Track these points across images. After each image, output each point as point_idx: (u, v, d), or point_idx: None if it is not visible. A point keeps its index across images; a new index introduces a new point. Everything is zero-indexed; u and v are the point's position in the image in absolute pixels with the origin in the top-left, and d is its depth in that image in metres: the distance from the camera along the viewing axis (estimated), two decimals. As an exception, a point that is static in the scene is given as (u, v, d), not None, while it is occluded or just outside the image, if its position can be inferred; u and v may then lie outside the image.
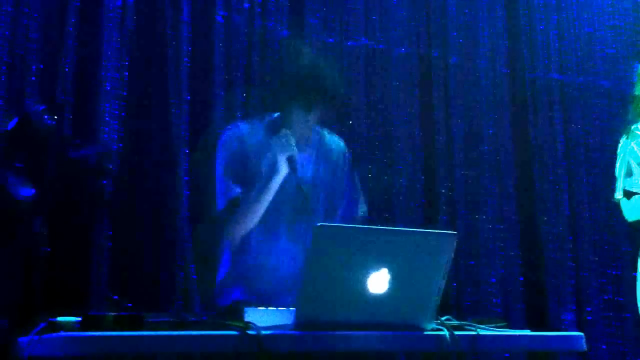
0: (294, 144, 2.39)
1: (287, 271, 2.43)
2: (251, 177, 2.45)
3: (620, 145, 2.73)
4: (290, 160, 2.39)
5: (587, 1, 4.74)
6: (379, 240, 1.85)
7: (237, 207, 2.41)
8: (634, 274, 2.73)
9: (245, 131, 2.52)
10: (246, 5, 3.79)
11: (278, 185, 2.40)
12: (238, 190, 2.41)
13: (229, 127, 2.56)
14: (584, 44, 4.69)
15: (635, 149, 2.66)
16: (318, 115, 2.47)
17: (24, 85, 3.24)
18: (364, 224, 2.56)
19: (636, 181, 2.62)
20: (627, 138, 2.71)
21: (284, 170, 2.39)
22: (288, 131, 2.41)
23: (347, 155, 2.65)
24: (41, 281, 3.10)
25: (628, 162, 2.66)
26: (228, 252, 2.53)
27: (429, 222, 4.05)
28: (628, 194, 2.65)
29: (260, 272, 2.45)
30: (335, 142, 2.65)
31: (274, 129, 2.48)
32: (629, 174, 2.64)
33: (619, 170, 2.71)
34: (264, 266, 2.45)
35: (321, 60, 2.51)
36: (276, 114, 2.55)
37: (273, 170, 2.40)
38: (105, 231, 3.31)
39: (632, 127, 2.73)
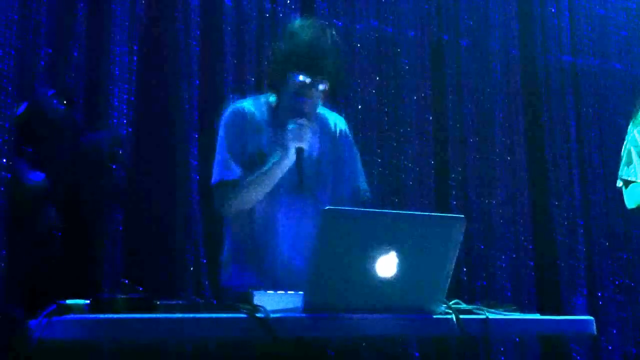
0: (309, 137, 2.37)
1: (287, 252, 2.43)
2: (249, 156, 2.44)
3: (628, 131, 2.71)
4: (300, 151, 2.37)
5: (599, -18, 4.69)
6: (387, 224, 1.85)
7: (235, 188, 2.39)
8: None
9: (247, 109, 2.51)
10: (255, -12, 3.77)
11: (283, 170, 2.39)
12: (238, 171, 2.40)
13: (233, 104, 2.54)
14: (596, 27, 4.65)
15: (637, 136, 2.64)
16: (319, 89, 2.44)
17: (34, 70, 3.25)
18: (367, 203, 2.56)
19: (634, 170, 2.60)
20: (633, 124, 2.69)
21: (291, 159, 2.38)
22: (308, 121, 2.38)
23: (347, 131, 2.63)
24: (54, 267, 3.12)
25: (629, 150, 2.64)
26: (229, 229, 2.53)
27: (440, 207, 4.04)
28: (627, 182, 2.64)
29: (261, 253, 2.45)
30: (334, 117, 2.64)
31: (283, 110, 2.47)
32: (629, 162, 2.62)
33: (622, 157, 2.70)
34: (264, 245, 2.45)
35: (319, 32, 2.46)
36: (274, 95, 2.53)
37: (279, 153, 2.38)
38: (116, 216, 3.32)
39: (639, 114, 2.70)
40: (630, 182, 2.61)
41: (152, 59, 3.53)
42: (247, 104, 2.54)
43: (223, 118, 2.51)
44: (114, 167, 3.33)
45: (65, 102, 3.16)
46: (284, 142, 2.37)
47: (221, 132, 2.48)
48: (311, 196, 2.47)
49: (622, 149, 2.70)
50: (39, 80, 3.23)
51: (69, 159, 3.22)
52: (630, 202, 2.64)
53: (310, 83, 2.42)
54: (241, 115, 2.49)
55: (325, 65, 2.41)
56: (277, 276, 2.40)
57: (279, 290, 1.93)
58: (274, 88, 2.52)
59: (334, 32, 2.49)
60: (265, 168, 2.38)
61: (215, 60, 3.65)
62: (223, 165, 2.42)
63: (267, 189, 2.39)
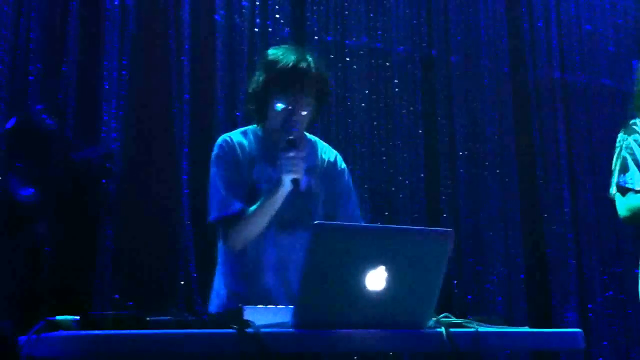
0: (302, 167, 2.36)
1: (274, 283, 2.42)
2: (243, 188, 2.43)
3: (618, 140, 2.71)
4: (295, 182, 2.36)
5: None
6: (376, 239, 1.85)
7: (238, 223, 2.38)
8: (635, 270, 2.70)
9: (237, 140, 2.49)
10: (245, 3, 3.79)
11: (281, 201, 2.37)
12: (238, 206, 2.38)
13: (223, 137, 2.51)
14: (585, 43, 4.69)
15: (632, 144, 2.64)
16: (303, 114, 2.43)
17: (25, 86, 3.25)
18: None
19: (631, 178, 2.59)
20: (625, 133, 2.69)
21: (287, 187, 2.36)
22: (299, 151, 2.36)
23: (338, 161, 2.60)
24: (44, 282, 3.11)
25: (624, 158, 2.64)
26: (221, 260, 2.51)
27: (430, 221, 4.05)
28: (622, 190, 2.62)
29: (249, 284, 2.44)
30: (324, 148, 2.61)
31: (273, 139, 2.46)
32: (625, 169, 2.62)
33: (615, 165, 2.69)
34: (252, 277, 2.45)
35: (298, 56, 2.43)
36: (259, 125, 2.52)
37: (274, 185, 2.36)
38: (106, 231, 3.31)
39: (630, 122, 2.71)
40: (627, 189, 2.60)
41: (143, 74, 3.53)
42: (235, 136, 2.52)
43: (214, 152, 2.48)
44: (104, 182, 3.33)
45: (55, 117, 3.16)
46: (279, 175, 2.36)
47: (214, 167, 2.45)
48: (302, 230, 2.46)
49: (614, 158, 2.70)
50: (29, 96, 3.23)
51: (59, 174, 3.21)
52: (623, 211, 2.63)
53: (293, 109, 2.40)
54: (231, 146, 2.47)
55: (306, 89, 2.39)
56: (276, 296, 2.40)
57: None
58: (257, 119, 2.50)
59: (313, 56, 2.48)
60: (263, 201, 2.37)
61: (206, 75, 3.66)
62: (221, 202, 2.39)
63: (269, 219, 2.38)
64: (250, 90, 2.51)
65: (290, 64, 2.39)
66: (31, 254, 3.13)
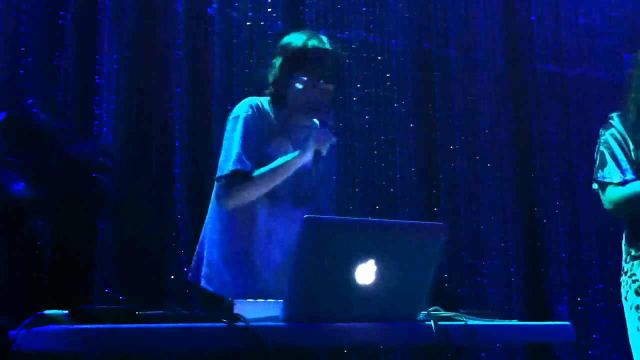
0: (328, 143, 2.38)
1: (282, 261, 2.43)
2: (258, 153, 2.44)
3: (599, 136, 2.72)
4: (317, 154, 2.38)
5: (584, -8, 4.73)
6: (368, 232, 1.85)
7: (245, 181, 2.39)
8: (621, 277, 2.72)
9: (265, 107, 2.51)
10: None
11: (294, 169, 2.40)
12: (250, 165, 2.39)
13: (254, 100, 2.52)
14: (581, 36, 4.68)
15: (609, 138, 2.65)
16: (329, 88, 2.45)
17: (18, 81, 3.24)
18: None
19: (609, 172, 2.60)
20: (603, 128, 2.70)
21: (308, 157, 2.38)
22: (331, 124, 2.39)
23: (334, 148, 2.66)
24: (40, 276, 3.11)
25: (602, 152, 2.65)
26: (225, 233, 2.51)
27: (426, 215, 4.05)
28: (602, 185, 2.64)
29: (256, 260, 2.45)
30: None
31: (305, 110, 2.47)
32: (603, 164, 2.63)
33: (595, 160, 2.70)
34: (260, 252, 2.45)
35: (320, 38, 2.51)
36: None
37: (297, 151, 2.39)
38: (100, 226, 3.31)
39: (609, 117, 2.72)
40: (607, 183, 2.61)
41: (137, 68, 3.52)
42: (266, 103, 2.53)
43: (241, 110, 2.48)
44: (99, 176, 3.33)
45: (49, 111, 3.16)
46: (306, 141, 2.38)
47: (239, 124, 2.44)
48: (314, 208, 2.48)
49: (595, 153, 2.71)
50: (22, 90, 3.23)
51: (54, 169, 3.21)
52: (606, 204, 2.65)
53: (314, 85, 2.44)
54: (261, 111, 2.49)
55: (325, 65, 2.44)
56: (269, 284, 2.40)
57: (268, 297, 1.93)
58: (279, 93, 2.52)
59: (327, 37, 2.55)
60: (280, 162, 2.39)
61: (200, 69, 3.66)
62: (237, 158, 2.39)
63: (274, 185, 2.39)
64: (270, 79, 2.53)
65: (307, 43, 2.45)
66: (26, 249, 3.13)
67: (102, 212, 3.32)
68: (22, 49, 3.27)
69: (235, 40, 3.73)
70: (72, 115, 3.34)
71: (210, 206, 2.53)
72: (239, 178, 2.38)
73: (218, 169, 2.45)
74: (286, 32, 3.61)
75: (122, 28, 3.50)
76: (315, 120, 2.41)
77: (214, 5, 3.72)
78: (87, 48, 3.43)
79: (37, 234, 3.15)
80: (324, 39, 2.51)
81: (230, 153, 2.41)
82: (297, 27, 3.85)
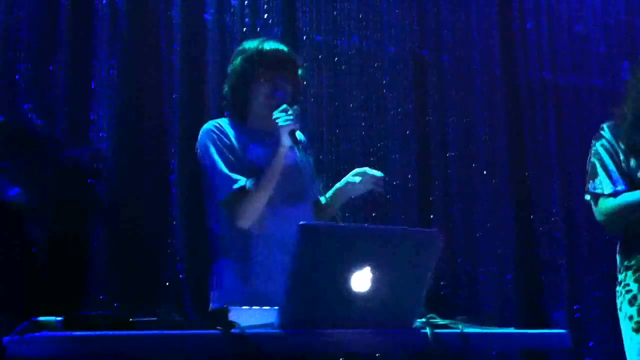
0: (295, 118, 2.40)
1: (281, 262, 2.43)
2: (242, 167, 2.45)
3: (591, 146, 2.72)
4: (292, 134, 2.39)
5: (578, 0, 4.74)
6: (363, 239, 1.85)
7: (246, 195, 2.39)
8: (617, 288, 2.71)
9: (227, 127, 2.53)
10: (234, 2, 3.78)
11: (284, 159, 2.41)
12: (243, 180, 2.40)
13: (212, 123, 2.55)
14: (576, 43, 4.70)
15: (600, 149, 2.64)
16: (287, 88, 2.49)
17: (13, 85, 3.24)
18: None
19: (600, 183, 2.59)
20: (594, 139, 2.69)
21: (287, 142, 2.40)
22: (294, 106, 2.42)
23: (308, 145, 2.69)
24: (34, 282, 3.10)
25: (593, 164, 2.65)
26: (222, 244, 2.51)
27: (421, 222, 4.05)
28: (594, 196, 2.63)
29: (255, 265, 2.44)
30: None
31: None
32: (594, 175, 2.62)
33: (587, 171, 2.70)
34: (257, 257, 2.45)
35: (275, 41, 2.58)
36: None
37: (275, 149, 2.41)
38: (97, 231, 3.30)
39: (600, 128, 2.71)
40: (598, 195, 2.60)
41: (133, 74, 3.52)
42: (224, 122, 2.56)
43: (205, 135, 2.50)
44: (93, 182, 3.32)
45: (44, 116, 3.15)
46: (276, 130, 2.40)
47: (210, 151, 2.47)
48: (302, 203, 2.50)
49: (587, 165, 2.71)
50: (18, 95, 3.22)
51: (48, 174, 3.20)
52: (599, 216, 2.64)
53: (278, 84, 2.48)
54: (223, 131, 2.51)
55: (283, 63, 2.50)
56: (269, 291, 2.40)
57: (273, 297, 1.93)
58: (241, 112, 2.55)
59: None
60: (268, 166, 2.41)
61: (196, 75, 3.66)
62: (225, 179, 2.41)
63: (274, 184, 2.41)
64: (228, 86, 2.56)
65: (264, 45, 2.53)
66: (20, 254, 3.12)
67: (96, 217, 3.32)
68: (18, 54, 3.26)
69: (231, 47, 3.73)
70: (68, 121, 3.33)
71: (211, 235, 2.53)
72: (240, 196, 2.39)
73: (215, 194, 2.45)
74: (283, 38, 3.65)
75: (118, 33, 3.49)
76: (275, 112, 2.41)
77: (211, 11, 3.73)
78: (83, 53, 3.43)
79: (32, 240, 3.14)
80: (278, 41, 2.58)
81: (220, 178, 2.42)
82: (292, 33, 3.88)
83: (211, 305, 2.48)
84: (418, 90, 4.27)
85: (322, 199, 2.61)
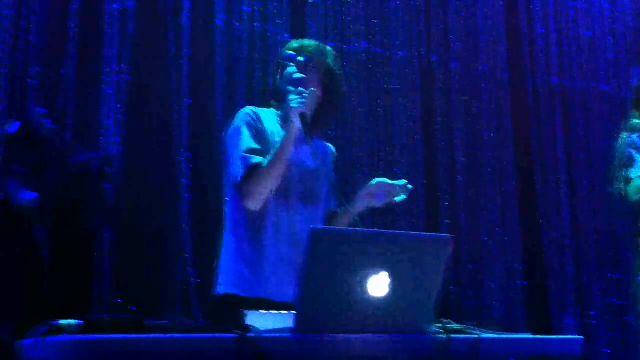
0: (310, 101, 2.41)
1: (293, 257, 2.43)
2: (262, 152, 2.46)
3: (620, 138, 2.76)
4: (303, 117, 2.39)
5: (586, 6, 4.74)
6: (376, 244, 1.85)
7: (259, 174, 2.40)
8: (637, 278, 2.72)
9: (262, 115, 2.56)
10: (245, 8, 3.80)
11: (293, 139, 2.41)
12: (257, 159, 2.42)
13: (249, 108, 2.57)
14: (584, 49, 4.70)
15: (637, 140, 2.69)
16: (313, 71, 2.53)
17: (24, 89, 3.25)
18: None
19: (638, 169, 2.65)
20: (627, 131, 2.74)
21: (297, 124, 2.40)
22: (311, 89, 2.43)
23: (334, 155, 2.72)
24: (42, 285, 3.10)
25: (630, 154, 2.68)
26: (233, 234, 2.51)
27: (429, 227, 4.05)
28: (628, 182, 2.68)
29: (266, 258, 2.45)
30: (324, 143, 2.72)
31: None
32: (630, 163, 2.66)
33: (618, 162, 2.73)
34: (269, 250, 2.45)
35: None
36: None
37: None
38: (106, 235, 3.31)
39: (633, 122, 2.75)
40: (631, 179, 2.65)
41: (143, 78, 3.53)
42: (260, 110, 2.58)
43: (241, 117, 2.52)
44: (103, 186, 3.32)
45: (54, 120, 3.16)
46: (287, 112, 2.41)
47: (238, 131, 2.48)
48: (319, 202, 2.52)
49: (617, 156, 2.75)
50: (29, 99, 3.23)
51: (58, 178, 3.21)
52: (634, 196, 2.68)
53: (304, 61, 2.51)
54: (257, 116, 2.53)
55: (313, 61, 2.53)
56: (275, 283, 2.41)
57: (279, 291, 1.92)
58: (274, 95, 2.59)
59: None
60: (278, 146, 2.42)
61: (206, 79, 3.67)
62: (243, 159, 2.43)
63: (284, 165, 2.41)
64: (273, 73, 2.63)
65: (303, 42, 2.63)
66: (29, 258, 3.12)
67: (105, 221, 3.32)
68: (29, 57, 3.27)
69: (240, 52, 3.74)
70: (78, 125, 3.34)
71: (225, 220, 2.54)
72: (252, 174, 2.41)
73: (231, 177, 2.46)
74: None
75: (128, 37, 3.50)
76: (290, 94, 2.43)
77: (221, 16, 3.74)
78: (93, 57, 3.44)
79: (40, 243, 3.14)
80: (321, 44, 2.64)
81: (237, 158, 2.44)
82: (301, 38, 3.88)
83: (214, 290, 2.49)
84: (426, 95, 4.27)
85: (339, 210, 2.62)
